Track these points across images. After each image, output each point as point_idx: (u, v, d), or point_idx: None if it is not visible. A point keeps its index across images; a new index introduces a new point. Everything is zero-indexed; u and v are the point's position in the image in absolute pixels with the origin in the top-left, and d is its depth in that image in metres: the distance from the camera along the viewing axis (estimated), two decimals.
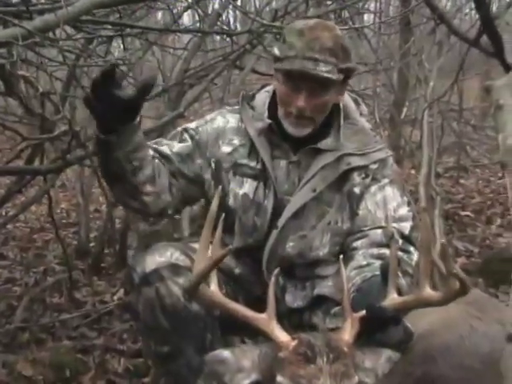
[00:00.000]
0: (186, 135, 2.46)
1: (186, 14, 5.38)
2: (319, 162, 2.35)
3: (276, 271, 1.98)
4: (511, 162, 1.55)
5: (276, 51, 2.29)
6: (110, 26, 3.71)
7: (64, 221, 6.24)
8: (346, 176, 2.37)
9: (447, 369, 2.07)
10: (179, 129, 2.52)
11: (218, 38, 8.33)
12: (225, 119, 2.47)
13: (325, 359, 1.69)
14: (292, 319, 2.39)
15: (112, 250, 4.89)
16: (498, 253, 4.61)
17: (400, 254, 2.20)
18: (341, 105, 2.42)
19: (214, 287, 1.85)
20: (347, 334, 1.80)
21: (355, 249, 2.32)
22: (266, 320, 1.83)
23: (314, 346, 1.73)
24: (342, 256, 2.07)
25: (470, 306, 2.37)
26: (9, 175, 3.72)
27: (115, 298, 4.06)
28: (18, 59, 2.77)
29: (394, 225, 2.32)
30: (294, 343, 1.76)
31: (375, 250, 2.26)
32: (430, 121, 4.56)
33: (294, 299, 2.40)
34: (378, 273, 2.03)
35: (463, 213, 6.09)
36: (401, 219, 2.35)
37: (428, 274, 1.77)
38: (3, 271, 4.78)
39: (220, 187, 2.10)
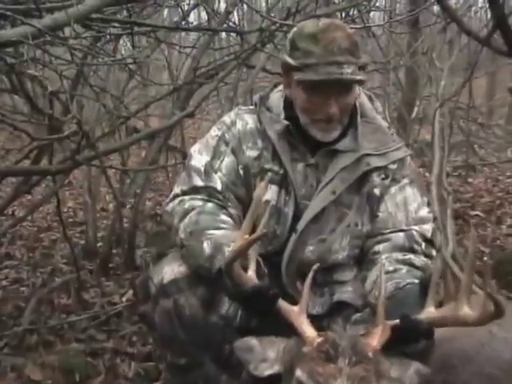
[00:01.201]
0: (223, 146, 2.36)
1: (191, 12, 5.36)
2: (338, 164, 2.30)
3: (315, 266, 1.98)
4: None
5: (289, 60, 2.22)
6: (117, 24, 3.67)
7: (71, 220, 6.22)
8: (365, 177, 2.33)
9: (467, 376, 2.04)
10: (212, 138, 2.39)
11: (224, 36, 8.34)
12: (243, 121, 2.39)
13: (346, 361, 1.67)
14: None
15: (120, 250, 4.87)
16: (509, 253, 4.56)
17: (424, 259, 2.19)
18: (357, 103, 2.37)
19: (251, 273, 1.89)
20: (376, 339, 1.77)
21: (377, 253, 2.28)
22: (297, 313, 1.84)
23: (338, 345, 1.71)
24: (380, 264, 2.03)
25: None
26: (18, 176, 3.68)
27: (124, 299, 4.01)
28: (28, 58, 2.73)
29: (416, 228, 2.29)
30: (319, 340, 1.76)
31: (400, 255, 2.22)
32: (440, 120, 4.51)
33: (313, 306, 2.33)
34: (411, 281, 2.00)
35: (473, 212, 6.04)
36: (422, 221, 2.32)
37: (468, 293, 1.72)
38: (10, 271, 4.74)
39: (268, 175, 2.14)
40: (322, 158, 2.32)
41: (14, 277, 4.61)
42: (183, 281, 2.21)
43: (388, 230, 2.30)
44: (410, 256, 2.20)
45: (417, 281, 2.09)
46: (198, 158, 2.36)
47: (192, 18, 7.36)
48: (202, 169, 2.32)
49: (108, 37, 4.22)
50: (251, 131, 2.37)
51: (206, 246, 2.13)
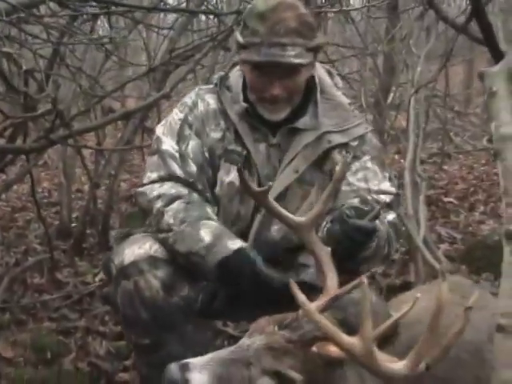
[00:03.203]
0: (187, 130, 2.36)
1: None
2: (300, 142, 2.31)
3: None
4: (504, 150, 1.53)
5: (239, 37, 2.23)
6: (95, 4, 3.65)
7: (46, 200, 6.19)
8: (326, 154, 2.34)
9: None
10: (175, 122, 2.39)
11: (203, 18, 8.30)
12: (205, 102, 2.38)
13: None
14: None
15: (94, 231, 4.88)
16: (481, 240, 4.62)
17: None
18: (316, 80, 2.37)
19: None
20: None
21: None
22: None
23: None
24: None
25: (454, 293, 2.35)
26: None
27: (97, 279, 4.01)
28: (3, 36, 2.72)
29: (374, 196, 2.31)
30: None
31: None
32: (415, 107, 4.54)
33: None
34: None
35: (446, 199, 6.10)
36: (382, 192, 2.32)
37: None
38: None
39: None
40: (283, 138, 2.33)
41: None
42: (143, 262, 2.21)
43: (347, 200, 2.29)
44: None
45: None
46: (168, 142, 2.35)
47: (170, 0, 7.35)
48: (177, 154, 2.32)
49: (85, 16, 4.19)
50: (213, 112, 2.36)
51: (205, 235, 2.16)
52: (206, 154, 2.34)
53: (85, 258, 4.52)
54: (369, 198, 2.29)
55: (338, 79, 2.49)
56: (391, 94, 5.42)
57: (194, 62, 3.82)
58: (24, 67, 3.04)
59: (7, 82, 3.36)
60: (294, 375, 1.58)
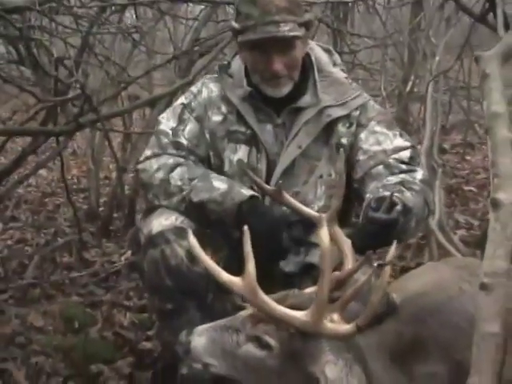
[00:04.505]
0: (187, 114, 2.52)
1: None
2: (301, 119, 2.44)
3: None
4: (494, 126, 1.66)
5: (234, 24, 2.37)
6: None
7: (75, 186, 6.35)
8: (330, 128, 2.46)
9: (436, 327, 2.07)
10: (178, 106, 2.56)
11: (229, 9, 8.42)
12: (208, 89, 2.54)
13: None
14: (285, 284, 2.45)
15: (121, 214, 5.04)
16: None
17: (402, 175, 2.31)
18: (313, 59, 2.51)
19: None
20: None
21: (365, 192, 2.34)
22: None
23: None
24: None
25: (462, 270, 2.43)
26: (23, 135, 3.85)
27: (123, 258, 4.17)
28: (36, 25, 2.88)
29: (394, 156, 2.39)
30: None
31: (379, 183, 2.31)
32: (433, 95, 4.61)
33: (287, 264, 2.44)
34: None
35: (467, 187, 6.16)
36: (399, 149, 2.41)
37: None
38: (15, 232, 4.90)
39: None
40: (287, 117, 2.47)
41: (18, 237, 4.78)
42: (170, 232, 2.35)
43: (370, 168, 2.40)
44: (393, 178, 2.30)
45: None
46: (166, 123, 2.52)
47: None
48: (170, 132, 2.50)
49: (113, 8, 4.35)
50: (216, 98, 2.52)
51: (218, 184, 2.33)
52: (207, 137, 2.50)
53: (112, 240, 4.68)
54: (390, 160, 2.38)
55: (336, 56, 2.62)
56: (410, 83, 5.50)
57: (217, 50, 3.95)
58: (55, 55, 3.20)
59: (39, 66, 3.51)
60: (269, 340, 1.72)
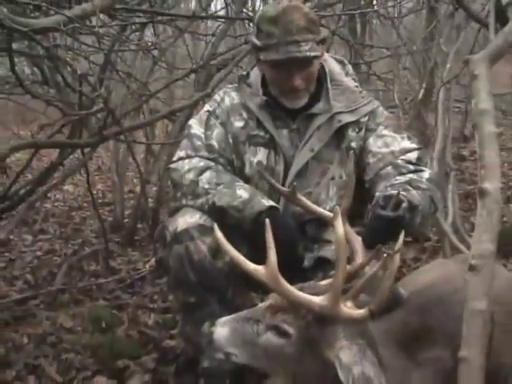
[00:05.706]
0: (213, 120, 2.69)
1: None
2: (314, 125, 2.61)
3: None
4: (481, 122, 1.82)
5: (256, 41, 2.53)
6: (141, 14, 4.00)
7: (100, 200, 6.52)
8: (340, 133, 2.63)
9: (441, 317, 2.14)
10: (204, 113, 2.73)
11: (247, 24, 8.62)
12: (230, 97, 2.72)
13: None
14: (300, 278, 2.58)
15: (145, 225, 5.24)
16: (509, 227, 4.79)
17: (410, 175, 2.45)
18: (327, 70, 2.68)
19: None
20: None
21: (374, 191, 2.46)
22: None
23: None
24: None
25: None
26: (51, 148, 4.04)
27: (147, 265, 4.35)
28: (61, 44, 3.07)
29: (402, 157, 2.55)
30: None
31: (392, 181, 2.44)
32: (445, 102, 4.71)
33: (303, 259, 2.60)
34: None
35: None
36: (406, 151, 2.57)
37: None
38: (44, 244, 5.13)
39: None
40: (302, 123, 2.64)
41: (47, 248, 5.00)
42: (194, 230, 2.51)
43: (380, 170, 2.55)
44: (401, 177, 2.44)
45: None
46: (196, 127, 2.70)
47: (218, 7, 7.70)
48: (202, 136, 2.67)
49: (133, 26, 4.55)
50: (237, 105, 2.70)
51: (241, 192, 2.48)
52: (230, 141, 2.67)
53: (136, 249, 4.87)
54: (398, 161, 2.53)
55: (349, 67, 2.79)
56: (421, 92, 5.60)
57: (233, 64, 4.12)
58: (79, 71, 3.37)
59: (64, 81, 3.69)
60: (288, 328, 1.84)
